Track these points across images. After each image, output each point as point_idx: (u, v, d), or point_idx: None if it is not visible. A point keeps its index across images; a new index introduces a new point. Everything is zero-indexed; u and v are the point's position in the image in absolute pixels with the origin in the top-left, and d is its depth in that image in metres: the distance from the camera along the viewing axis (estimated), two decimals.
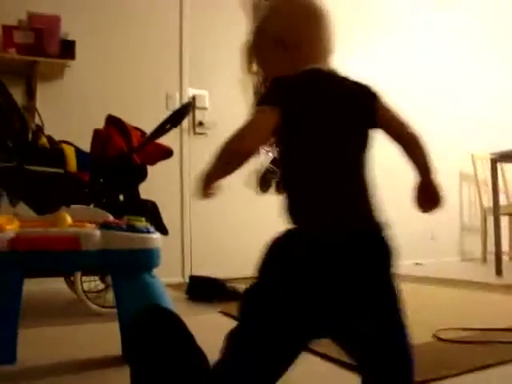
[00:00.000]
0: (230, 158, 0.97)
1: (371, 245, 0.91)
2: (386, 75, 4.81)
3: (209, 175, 0.98)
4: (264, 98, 1.00)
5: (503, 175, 4.88)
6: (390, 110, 1.03)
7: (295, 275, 0.89)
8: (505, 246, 4.03)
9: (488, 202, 4.52)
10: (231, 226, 3.97)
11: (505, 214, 4.54)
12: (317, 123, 0.97)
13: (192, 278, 3.09)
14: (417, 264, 4.61)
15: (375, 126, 1.01)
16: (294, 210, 0.96)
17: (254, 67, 4.18)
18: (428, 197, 1.01)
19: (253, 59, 1.16)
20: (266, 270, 0.93)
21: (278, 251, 0.92)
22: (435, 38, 5.25)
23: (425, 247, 4.80)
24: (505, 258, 3.93)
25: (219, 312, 2.39)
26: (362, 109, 1.00)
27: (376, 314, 0.90)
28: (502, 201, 4.48)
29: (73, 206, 2.23)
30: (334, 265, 0.88)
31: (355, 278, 0.89)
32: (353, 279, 0.89)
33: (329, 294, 0.88)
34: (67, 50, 3.36)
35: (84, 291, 2.38)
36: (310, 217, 0.93)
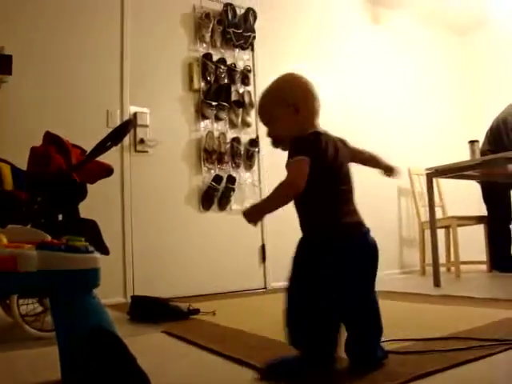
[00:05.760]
0: (285, 200, 1.44)
1: None
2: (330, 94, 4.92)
3: (262, 209, 1.48)
4: (298, 151, 1.43)
5: (439, 188, 5.06)
6: (353, 147, 1.70)
7: None
8: (442, 258, 4.16)
9: (425, 215, 4.67)
10: (174, 245, 3.92)
11: (441, 227, 4.70)
12: (335, 166, 1.52)
13: (134, 297, 3.02)
14: None
15: (351, 160, 1.63)
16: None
17: (195, 85, 4.19)
18: (388, 171, 1.79)
19: (263, 119, 1.62)
20: None
21: None
22: (369, 56, 5.43)
23: None
24: (442, 269, 4.06)
25: (162, 332, 2.35)
26: (347, 152, 1.61)
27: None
28: (439, 214, 4.64)
29: (9, 226, 2.15)
30: None
31: None
32: None
33: None
34: (3, 64, 3.26)
35: (21, 315, 2.29)
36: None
